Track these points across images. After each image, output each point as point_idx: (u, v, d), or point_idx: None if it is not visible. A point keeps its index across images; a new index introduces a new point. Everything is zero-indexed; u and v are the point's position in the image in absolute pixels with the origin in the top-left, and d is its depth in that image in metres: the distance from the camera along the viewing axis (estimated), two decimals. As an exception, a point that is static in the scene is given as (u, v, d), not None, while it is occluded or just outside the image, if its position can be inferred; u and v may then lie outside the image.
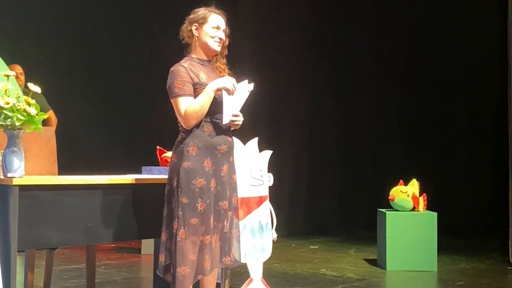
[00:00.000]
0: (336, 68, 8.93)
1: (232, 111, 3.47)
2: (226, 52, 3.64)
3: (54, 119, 6.58)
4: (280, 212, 5.52)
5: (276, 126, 8.36)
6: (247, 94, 3.50)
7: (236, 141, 4.27)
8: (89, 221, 3.48)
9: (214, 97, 3.44)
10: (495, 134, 7.69)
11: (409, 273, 5.83)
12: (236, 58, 4.00)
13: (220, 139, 3.50)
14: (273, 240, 4.83)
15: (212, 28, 3.55)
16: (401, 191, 6.08)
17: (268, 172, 4.82)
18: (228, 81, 3.45)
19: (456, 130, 8.38)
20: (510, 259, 6.23)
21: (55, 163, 4.15)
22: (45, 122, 6.40)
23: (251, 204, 4.67)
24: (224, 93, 3.45)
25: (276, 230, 4.86)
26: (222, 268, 4.12)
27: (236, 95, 3.47)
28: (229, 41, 3.64)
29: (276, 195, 5.18)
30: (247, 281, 4.62)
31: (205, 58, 3.58)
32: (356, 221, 8.76)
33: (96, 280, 4.35)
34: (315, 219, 8.81)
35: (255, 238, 4.68)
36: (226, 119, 3.45)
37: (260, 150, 4.77)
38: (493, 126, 7.79)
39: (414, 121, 8.64)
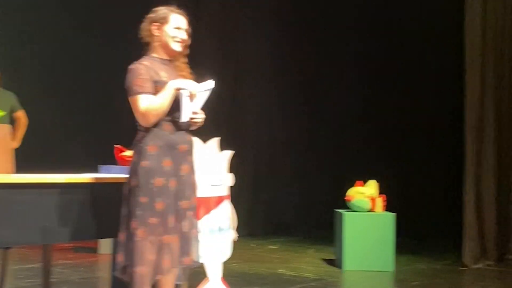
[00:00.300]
0: (299, 68, 8.97)
1: (192, 109, 3.45)
2: (187, 51, 3.63)
3: (24, 120, 6.42)
4: (240, 212, 5.53)
5: (237, 126, 8.37)
6: (208, 92, 3.49)
7: (197, 141, 4.26)
8: (45, 221, 3.43)
9: (175, 96, 3.41)
10: (453, 137, 7.81)
11: (366, 273, 5.90)
12: (198, 57, 3.98)
13: (180, 138, 3.48)
14: (233, 240, 4.84)
15: (173, 28, 3.52)
16: (358, 192, 6.14)
17: (229, 172, 4.83)
18: (191, 84, 3.43)
19: (417, 132, 8.50)
20: (463, 260, 6.35)
21: (11, 161, 4.07)
22: (14, 122, 6.28)
23: (211, 204, 4.67)
24: (183, 91, 3.43)
25: (236, 230, 4.87)
26: (181, 268, 4.11)
27: (199, 95, 3.45)
28: (190, 41, 3.63)
29: (236, 195, 5.19)
30: (202, 281, 4.62)
31: (166, 57, 3.56)
32: (316, 221, 8.82)
33: (52, 280, 4.29)
34: (275, 219, 8.85)
35: (214, 238, 4.68)
36: (184, 117, 3.43)
37: (221, 150, 4.77)
38: (452, 129, 7.90)
39: (374, 123, 8.74)
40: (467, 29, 6.49)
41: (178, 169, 3.45)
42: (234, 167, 4.94)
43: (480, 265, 6.33)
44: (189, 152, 3.53)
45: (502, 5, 6.68)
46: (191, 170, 3.55)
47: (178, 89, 3.42)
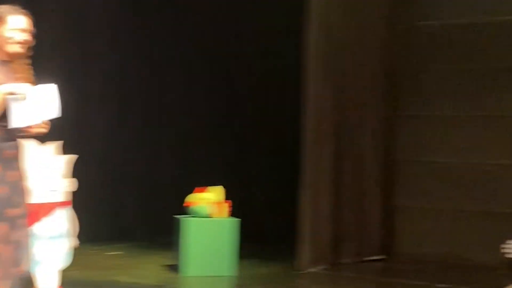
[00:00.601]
0: (141, 70, 8.90)
1: (25, 115, 3.32)
2: (29, 53, 3.51)
3: None
4: (83, 217, 5.42)
5: (80, 129, 8.16)
6: (52, 97, 3.37)
7: (37, 145, 4.14)
8: None
9: (6, 100, 3.28)
10: (294, 143, 8.06)
11: (207, 278, 5.96)
12: (40, 59, 3.85)
13: (10, 143, 3.35)
14: (74, 247, 4.75)
15: (10, 29, 3.40)
16: (199, 198, 6.21)
17: (72, 177, 4.73)
18: (24, 88, 3.31)
19: (259, 139, 8.72)
20: (298, 263, 6.56)
21: None
22: None
23: (47, 210, 4.55)
24: (12, 96, 3.30)
25: (77, 236, 4.77)
26: (15, 279, 3.94)
27: (33, 100, 3.33)
28: (33, 42, 3.51)
29: (78, 200, 5.07)
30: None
31: (5, 58, 3.42)
32: (161, 227, 8.76)
33: None
34: (119, 225, 8.69)
35: (50, 245, 4.56)
36: (14, 123, 3.29)
37: (65, 154, 4.66)
38: (292, 135, 8.13)
39: (219, 129, 8.86)
40: (308, 31, 6.64)
41: (8, 175, 3.32)
42: (77, 172, 4.83)
43: (315, 269, 6.62)
44: (17, 157, 3.40)
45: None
46: (21, 176, 3.43)
47: (9, 94, 3.29)
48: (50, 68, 5.57)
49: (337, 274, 6.60)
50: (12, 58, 3.44)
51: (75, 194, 4.79)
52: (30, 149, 3.63)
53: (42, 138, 4.10)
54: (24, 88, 3.32)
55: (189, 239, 6.08)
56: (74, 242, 4.81)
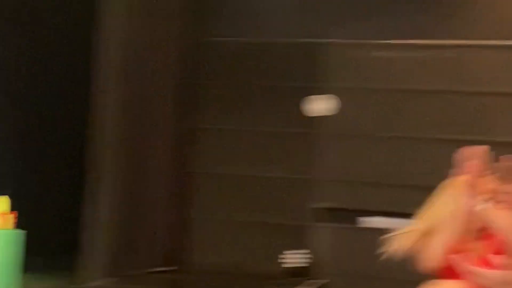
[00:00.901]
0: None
1: None
2: None
3: None
4: None
5: None
6: None
7: None
8: None
9: None
10: (84, 151, 7.94)
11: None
12: None
13: None
14: None
15: None
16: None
17: None
18: None
19: (48, 147, 8.50)
20: (80, 277, 6.52)
21: None
22: None
23: None
24: None
25: None
26: None
27: None
28: None
29: None
30: None
31: None
32: None
33: None
34: None
35: None
36: None
37: None
38: (83, 143, 8.02)
39: (7, 135, 8.51)
40: (100, 40, 6.65)
41: None
42: None
43: (100, 282, 6.57)
44: None
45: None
46: None
47: None
48: None
49: (123, 287, 6.61)
50: None
51: None
52: None
53: None
54: None
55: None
56: None
